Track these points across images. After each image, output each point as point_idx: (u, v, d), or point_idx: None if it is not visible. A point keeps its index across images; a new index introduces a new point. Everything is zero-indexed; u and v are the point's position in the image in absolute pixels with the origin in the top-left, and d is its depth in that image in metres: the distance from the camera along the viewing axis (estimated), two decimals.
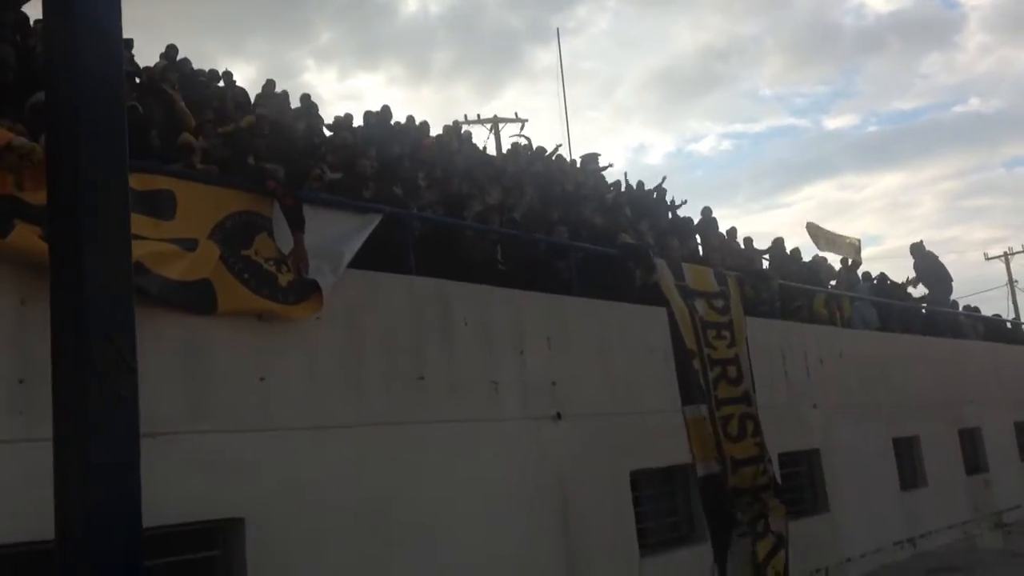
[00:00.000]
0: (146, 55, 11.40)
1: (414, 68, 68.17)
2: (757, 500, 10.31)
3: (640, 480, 9.27)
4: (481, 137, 25.10)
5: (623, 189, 16.63)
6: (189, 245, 5.90)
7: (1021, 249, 41.54)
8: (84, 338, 1.16)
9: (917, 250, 19.27)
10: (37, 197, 4.97)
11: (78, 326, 1.15)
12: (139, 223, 5.40)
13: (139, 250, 5.10)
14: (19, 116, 6.60)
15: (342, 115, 13.54)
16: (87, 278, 1.15)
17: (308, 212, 6.77)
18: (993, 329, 20.88)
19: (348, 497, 6.53)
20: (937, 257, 19.46)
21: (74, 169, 1.16)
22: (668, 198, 16.68)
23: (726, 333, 10.72)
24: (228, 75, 12.89)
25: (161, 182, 5.92)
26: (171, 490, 5.24)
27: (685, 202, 16.66)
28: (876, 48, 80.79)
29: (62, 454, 1.17)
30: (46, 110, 1.20)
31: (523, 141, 19.42)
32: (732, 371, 10.59)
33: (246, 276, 6.19)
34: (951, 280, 19.49)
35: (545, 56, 70.76)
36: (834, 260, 18.21)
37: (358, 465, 6.69)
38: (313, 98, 13.74)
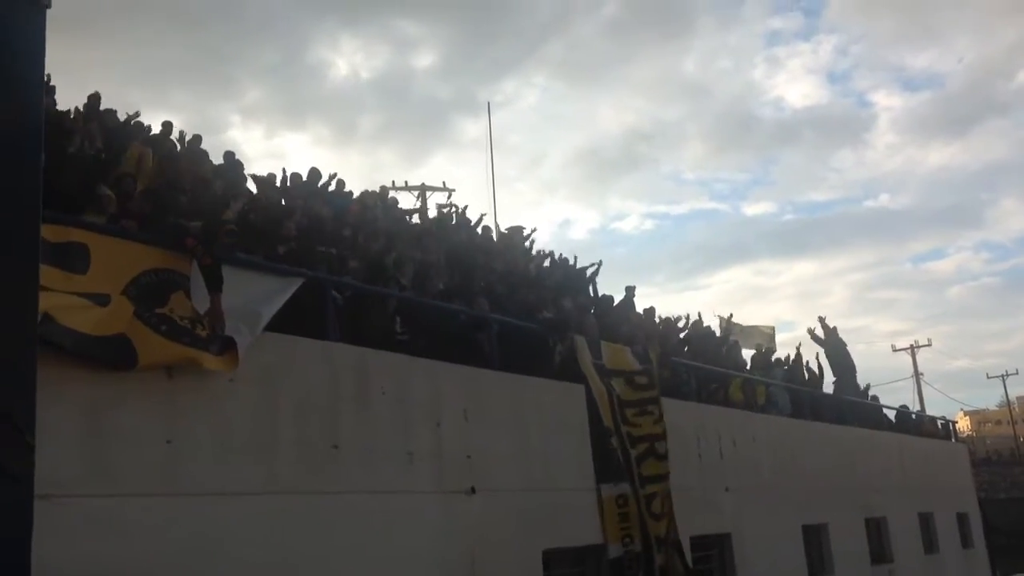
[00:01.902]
0: (67, 102, 11.15)
1: (341, 130, 68.54)
2: None
3: (552, 559, 9.16)
4: (407, 204, 25.10)
5: (546, 264, 16.75)
6: (101, 300, 5.72)
7: (927, 343, 43.09)
8: None
9: (829, 334, 19.81)
10: None
11: None
12: (49, 275, 5.23)
13: (46, 302, 4.93)
14: None
15: (266, 174, 13.40)
16: None
17: (227, 272, 6.65)
18: (899, 420, 21.46)
19: (254, 567, 6.30)
20: (845, 345, 20.03)
21: None
22: (589, 273, 16.77)
23: (652, 408, 10.79)
24: (168, 124, 12.64)
25: (75, 235, 5.76)
26: (64, 556, 4.97)
27: (600, 263, 16.54)
28: (791, 140, 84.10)
29: None
30: None
31: (452, 208, 19.41)
32: (661, 447, 10.65)
33: (163, 328, 6.02)
34: (855, 370, 20.05)
35: (472, 127, 72.04)
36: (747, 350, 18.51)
37: (266, 534, 6.47)
38: (238, 155, 13.58)
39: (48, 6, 1.17)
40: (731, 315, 18.30)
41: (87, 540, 5.33)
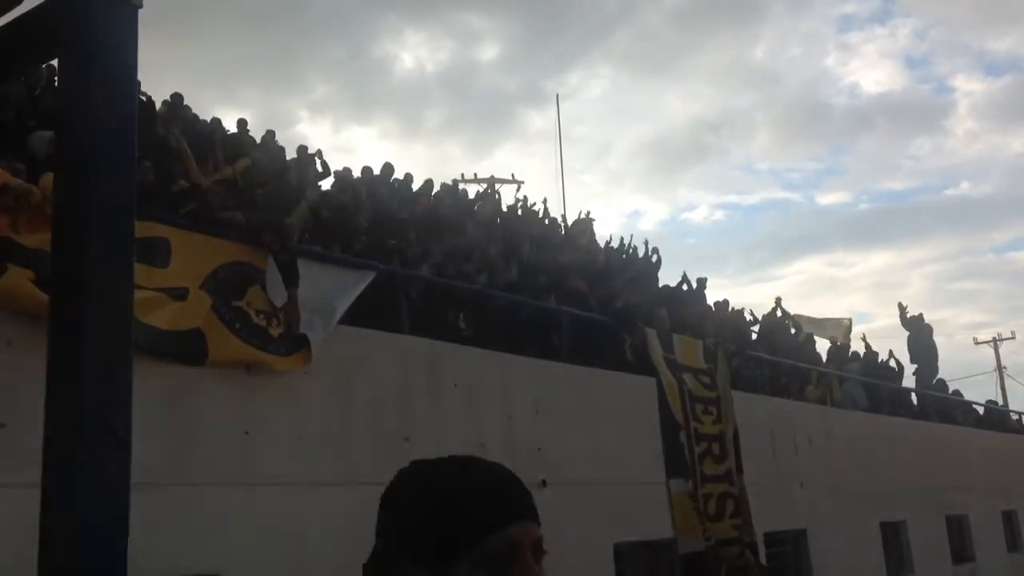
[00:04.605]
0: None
1: (407, 124, 68.89)
2: None
3: (623, 553, 9.11)
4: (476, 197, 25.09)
5: (624, 247, 16.62)
6: (179, 294, 5.85)
7: (1011, 335, 41.58)
8: (77, 410, 1.11)
9: (915, 323, 19.38)
10: (32, 239, 4.94)
11: (72, 397, 1.11)
12: (135, 271, 5.36)
13: None
14: (19, 155, 6.59)
15: (339, 168, 13.58)
16: (85, 347, 1.11)
17: (302, 265, 6.75)
18: (982, 415, 20.85)
19: (329, 556, 6.37)
20: (932, 334, 19.60)
21: (82, 227, 1.13)
22: (657, 264, 16.60)
23: (712, 409, 10.66)
24: (243, 123, 12.93)
25: (158, 229, 5.89)
26: (148, 543, 5.10)
27: (656, 249, 16.34)
28: (866, 128, 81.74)
29: (47, 529, 1.12)
30: (57, 179, 1.18)
31: (522, 199, 19.35)
32: (716, 448, 10.50)
33: (237, 326, 6.13)
34: (937, 360, 19.59)
35: (537, 119, 71.63)
36: (821, 342, 18.16)
37: (341, 523, 6.54)
38: (310, 150, 13.73)
39: (140, 6, 1.19)
40: (811, 318, 17.94)
41: (167, 528, 5.45)
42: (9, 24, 1.23)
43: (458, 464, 1.46)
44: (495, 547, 1.32)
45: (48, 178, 5.04)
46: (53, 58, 1.17)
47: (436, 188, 15.11)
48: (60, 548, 1.17)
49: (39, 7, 1.23)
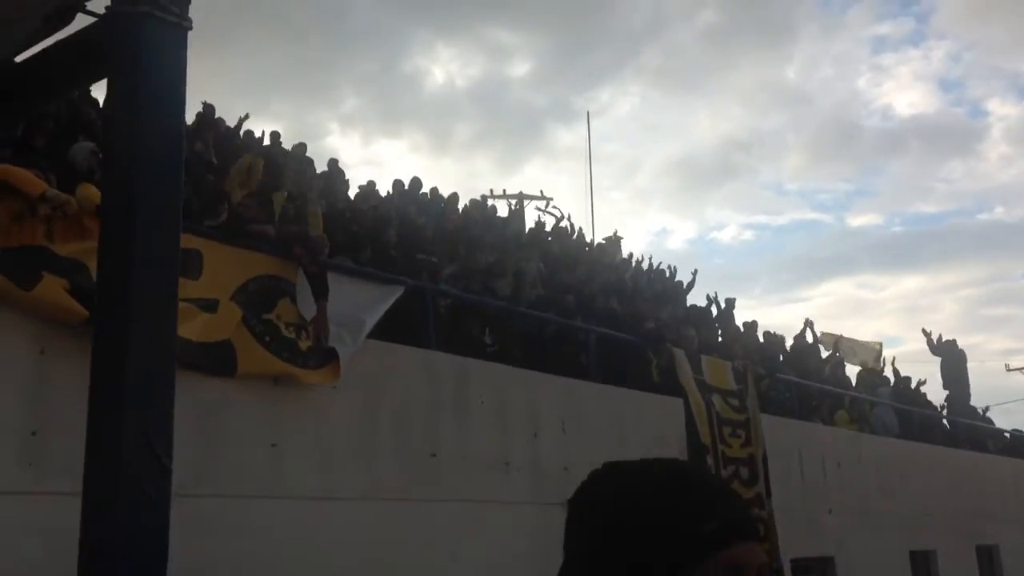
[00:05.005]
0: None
1: (437, 138, 68.96)
2: None
3: None
4: (503, 212, 25.13)
5: (645, 267, 16.57)
6: (210, 305, 5.87)
7: None
8: (118, 434, 1.10)
9: (947, 348, 19.14)
10: (67, 248, 4.98)
11: (114, 420, 1.10)
12: None
13: None
14: (54, 164, 6.66)
15: (365, 182, 13.67)
16: (129, 369, 1.10)
17: (331, 279, 6.76)
18: (1013, 444, 20.52)
19: (353, 571, 6.37)
20: (966, 360, 19.34)
21: (127, 247, 1.13)
22: (686, 283, 16.53)
23: (741, 432, 10.53)
24: (276, 135, 13.04)
25: (191, 241, 5.92)
26: (172, 555, 5.10)
27: (695, 273, 16.33)
28: (897, 150, 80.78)
29: (86, 553, 1.11)
30: (103, 201, 1.18)
31: (556, 214, 19.36)
32: (745, 472, 10.36)
33: (267, 339, 6.15)
34: (969, 386, 19.34)
35: (567, 135, 71.29)
36: (851, 367, 17.95)
37: (365, 537, 6.54)
38: (340, 163, 13.84)
39: (190, 28, 1.18)
40: (840, 336, 17.77)
41: (192, 539, 5.44)
42: (57, 44, 1.23)
43: (666, 469, 1.24)
44: (716, 572, 1.12)
45: (85, 188, 5.09)
46: (102, 78, 1.16)
47: (465, 203, 15.16)
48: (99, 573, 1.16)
49: (88, 27, 1.23)
